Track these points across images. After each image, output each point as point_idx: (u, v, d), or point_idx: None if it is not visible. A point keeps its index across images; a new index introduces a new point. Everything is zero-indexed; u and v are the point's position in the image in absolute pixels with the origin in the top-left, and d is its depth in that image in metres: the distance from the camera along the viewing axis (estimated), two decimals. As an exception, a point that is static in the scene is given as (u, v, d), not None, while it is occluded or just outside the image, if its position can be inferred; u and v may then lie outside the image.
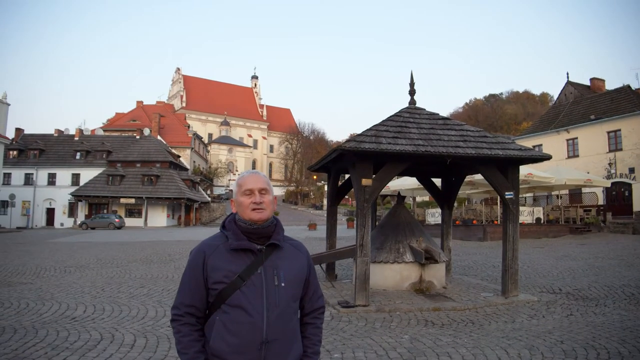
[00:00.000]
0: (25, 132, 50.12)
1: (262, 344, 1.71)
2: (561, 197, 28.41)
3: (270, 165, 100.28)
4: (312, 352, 1.90)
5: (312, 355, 1.89)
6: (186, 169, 52.93)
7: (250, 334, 1.71)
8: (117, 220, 38.06)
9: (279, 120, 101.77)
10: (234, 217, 1.90)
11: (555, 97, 49.63)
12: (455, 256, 11.93)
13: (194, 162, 60.64)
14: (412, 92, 8.58)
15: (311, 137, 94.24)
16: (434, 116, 8.37)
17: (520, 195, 9.28)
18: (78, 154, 47.03)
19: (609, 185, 25.45)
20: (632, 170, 27.90)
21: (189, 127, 66.13)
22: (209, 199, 55.70)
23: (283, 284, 1.79)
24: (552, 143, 32.62)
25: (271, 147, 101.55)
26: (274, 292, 1.77)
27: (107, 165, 45.66)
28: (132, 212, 44.46)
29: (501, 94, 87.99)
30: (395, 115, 8.21)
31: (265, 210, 1.84)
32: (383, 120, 7.95)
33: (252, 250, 1.80)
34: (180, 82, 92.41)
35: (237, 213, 1.88)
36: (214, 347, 1.74)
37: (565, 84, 36.97)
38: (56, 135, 50.69)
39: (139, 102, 65.87)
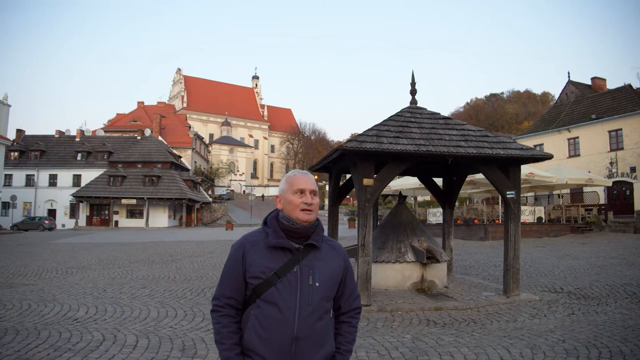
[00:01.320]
0: (26, 133, 50.27)
1: (292, 340, 1.76)
2: (562, 197, 28.40)
3: (272, 165, 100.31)
4: (345, 349, 1.95)
5: (344, 353, 1.94)
6: (187, 170, 53.00)
7: (281, 330, 1.76)
8: (46, 222, 38.52)
9: (279, 120, 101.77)
10: (277, 214, 1.94)
11: (556, 97, 49.71)
12: (456, 256, 11.93)
13: (195, 162, 60.69)
14: (413, 92, 8.57)
15: (312, 137, 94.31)
16: (435, 116, 8.37)
17: (521, 195, 9.27)
18: (79, 154, 47.16)
19: (610, 184, 25.43)
20: (633, 169, 27.91)
21: (190, 127, 66.21)
22: (210, 199, 55.73)
23: (317, 284, 1.83)
24: (553, 142, 32.62)
25: (272, 147, 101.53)
26: (308, 291, 1.81)
27: (108, 166, 45.76)
28: (134, 212, 44.57)
29: (502, 93, 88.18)
30: (397, 115, 8.21)
31: (313, 212, 1.89)
32: (384, 120, 7.95)
33: (290, 249, 1.85)
34: (181, 82, 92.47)
35: (282, 210, 1.92)
36: (247, 339, 1.81)
37: (567, 83, 36.99)
38: (57, 136, 50.79)
39: (140, 103, 65.86)
